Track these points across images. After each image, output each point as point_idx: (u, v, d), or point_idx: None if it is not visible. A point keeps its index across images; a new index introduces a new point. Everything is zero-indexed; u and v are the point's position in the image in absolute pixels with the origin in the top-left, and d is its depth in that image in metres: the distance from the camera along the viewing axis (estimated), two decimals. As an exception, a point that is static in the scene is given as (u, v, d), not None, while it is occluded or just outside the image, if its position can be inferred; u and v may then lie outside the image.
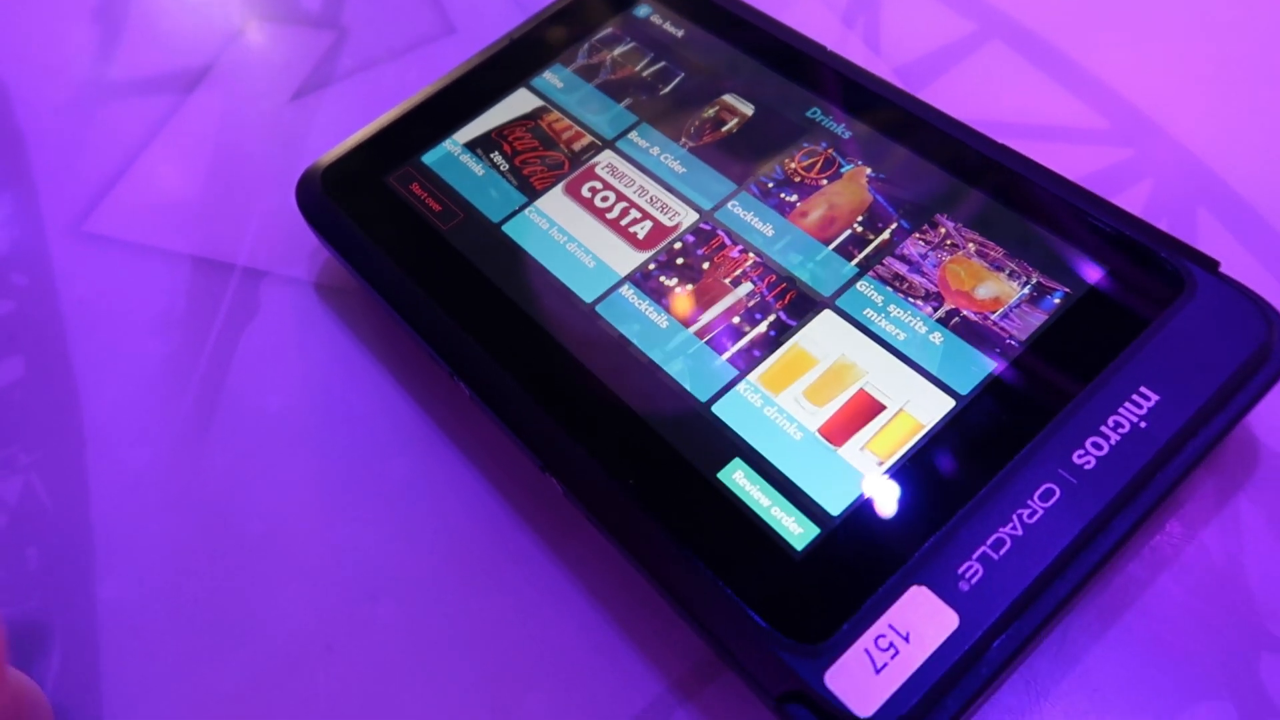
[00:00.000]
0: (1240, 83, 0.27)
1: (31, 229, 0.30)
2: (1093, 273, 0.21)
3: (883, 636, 0.17)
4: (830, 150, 0.24)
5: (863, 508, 0.19)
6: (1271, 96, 0.26)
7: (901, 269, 0.22)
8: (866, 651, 0.17)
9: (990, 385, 0.20)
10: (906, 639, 0.17)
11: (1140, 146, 0.26)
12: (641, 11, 0.28)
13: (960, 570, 0.18)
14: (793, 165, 0.24)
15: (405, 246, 0.24)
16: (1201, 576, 0.20)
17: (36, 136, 0.32)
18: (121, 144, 0.31)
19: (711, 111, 0.25)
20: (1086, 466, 0.18)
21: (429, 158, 0.26)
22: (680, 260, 0.23)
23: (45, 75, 0.33)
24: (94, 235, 0.29)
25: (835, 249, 0.22)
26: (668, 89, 0.26)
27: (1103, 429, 0.19)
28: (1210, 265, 0.20)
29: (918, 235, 0.22)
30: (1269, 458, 0.21)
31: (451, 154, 0.26)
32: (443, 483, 0.23)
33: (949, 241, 0.22)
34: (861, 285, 0.22)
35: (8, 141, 0.32)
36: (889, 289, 0.21)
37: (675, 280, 0.23)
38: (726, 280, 0.22)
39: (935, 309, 0.21)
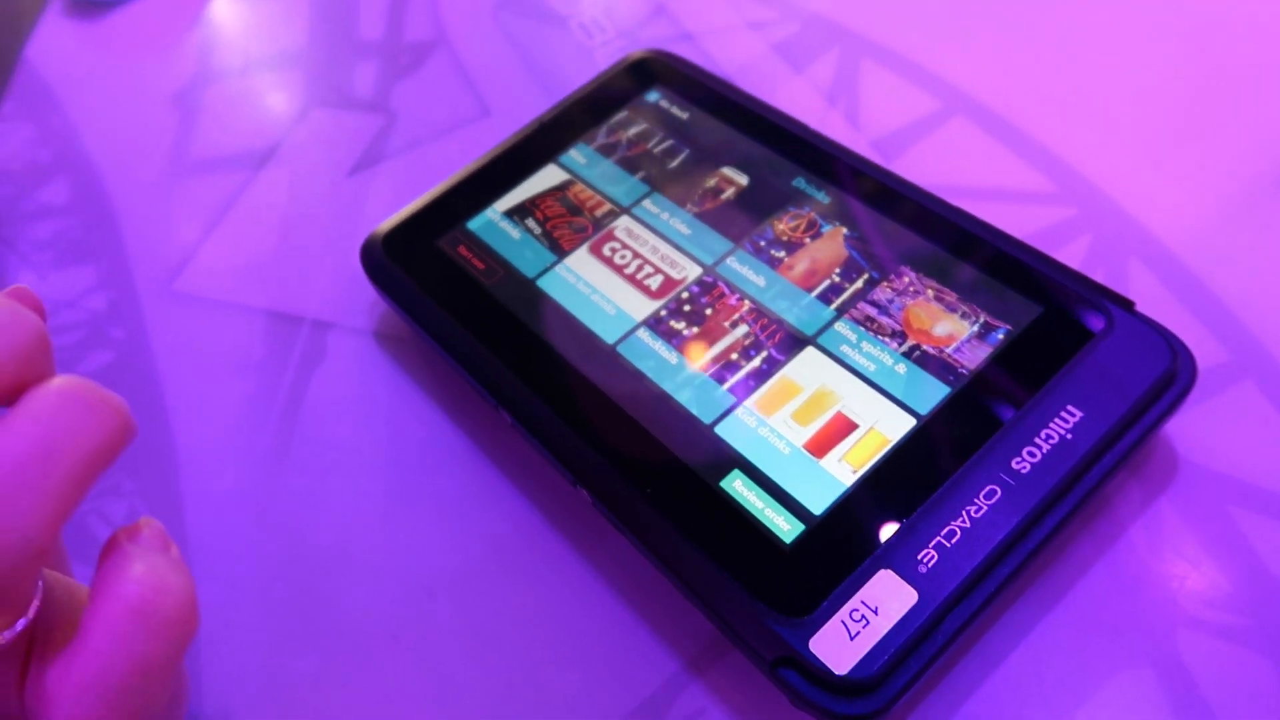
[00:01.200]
0: (1170, 148, 0.31)
1: (126, 290, 0.34)
2: (1030, 312, 0.25)
3: (856, 610, 0.21)
4: (812, 214, 0.28)
5: (840, 507, 0.23)
6: (1195, 160, 0.31)
7: (872, 312, 0.26)
8: (843, 623, 0.21)
9: (945, 406, 0.24)
10: (876, 612, 0.21)
11: (1082, 206, 0.30)
12: (652, 97, 0.33)
13: (919, 556, 0.21)
14: (781, 226, 0.28)
15: (455, 299, 0.29)
16: (1129, 567, 0.24)
17: (127, 210, 0.37)
18: (202, 214, 0.36)
19: (712, 182, 0.30)
20: (1023, 471, 0.22)
21: (473, 224, 0.30)
22: (687, 307, 0.27)
23: (133, 157, 0.38)
24: (181, 294, 0.34)
25: (817, 296, 0.27)
26: (675, 163, 0.31)
27: (1036, 440, 0.23)
28: (1127, 305, 0.24)
29: (886, 284, 0.26)
30: (1186, 468, 0.25)
31: (492, 221, 0.30)
32: (488, 498, 0.27)
33: (911, 289, 0.26)
34: (839, 326, 0.26)
35: (102, 215, 0.37)
36: (861, 329, 0.26)
37: (683, 324, 0.27)
38: (726, 324, 0.27)
39: (900, 344, 0.25)
